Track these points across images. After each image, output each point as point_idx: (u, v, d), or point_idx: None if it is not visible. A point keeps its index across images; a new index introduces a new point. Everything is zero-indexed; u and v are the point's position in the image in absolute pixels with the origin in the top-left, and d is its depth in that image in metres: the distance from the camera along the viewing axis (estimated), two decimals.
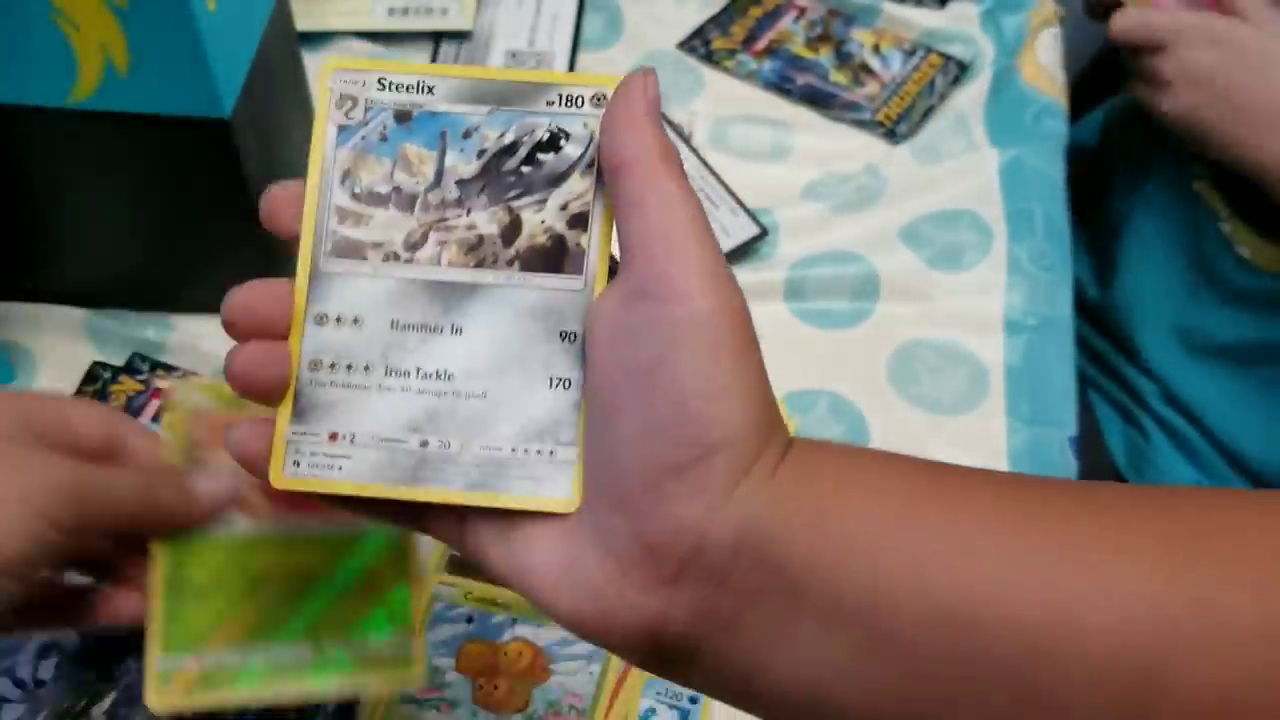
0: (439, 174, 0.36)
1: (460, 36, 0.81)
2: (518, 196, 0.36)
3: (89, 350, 0.62)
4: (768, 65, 0.81)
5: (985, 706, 0.29)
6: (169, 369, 0.61)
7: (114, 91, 0.52)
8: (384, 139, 0.36)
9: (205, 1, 0.50)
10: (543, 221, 0.36)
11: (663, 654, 0.32)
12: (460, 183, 0.36)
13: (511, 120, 0.36)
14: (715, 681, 0.32)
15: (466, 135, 0.36)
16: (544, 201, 0.36)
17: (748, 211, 0.71)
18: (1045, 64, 0.81)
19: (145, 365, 0.61)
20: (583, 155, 0.36)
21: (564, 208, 0.36)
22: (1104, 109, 0.93)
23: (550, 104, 0.36)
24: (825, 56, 0.81)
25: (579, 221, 0.36)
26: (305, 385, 0.35)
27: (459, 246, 0.36)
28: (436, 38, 0.81)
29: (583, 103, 0.36)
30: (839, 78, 0.80)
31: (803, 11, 0.84)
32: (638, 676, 0.51)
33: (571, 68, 0.79)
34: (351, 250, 0.36)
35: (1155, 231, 0.84)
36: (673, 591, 0.31)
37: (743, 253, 0.69)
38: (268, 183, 0.36)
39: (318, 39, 0.79)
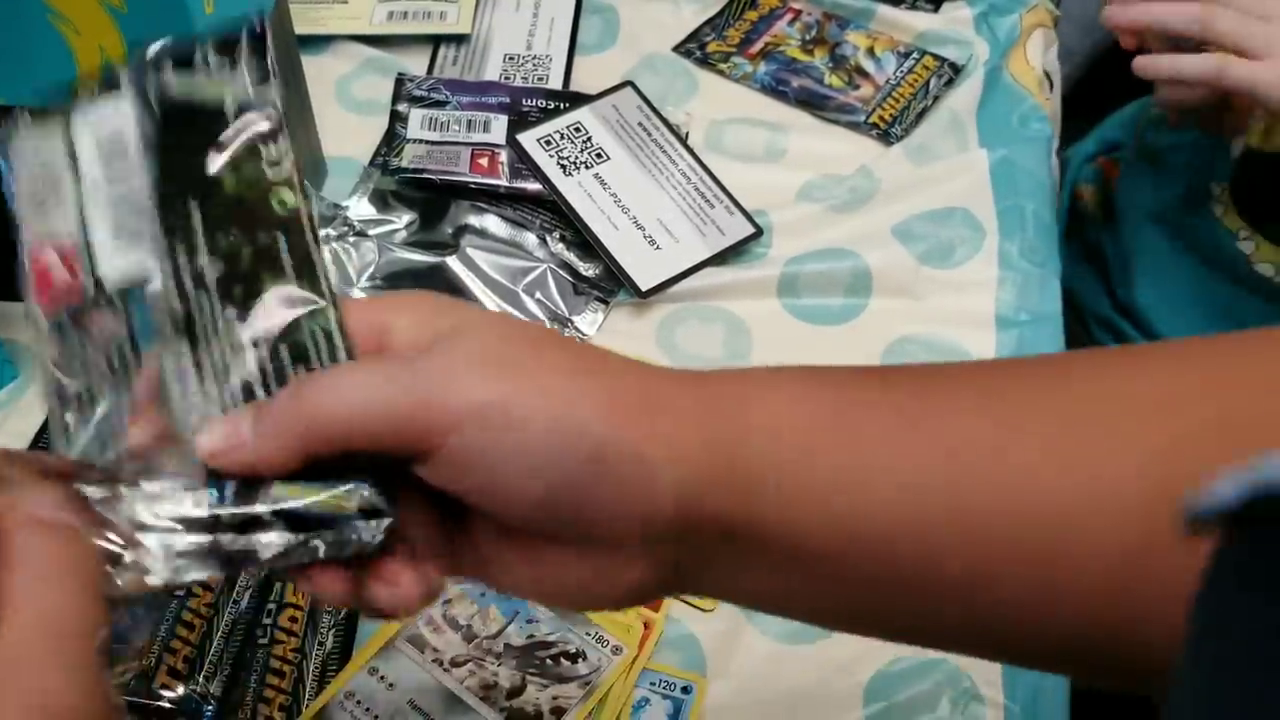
0: (500, 634, 0.52)
1: (458, 40, 0.82)
2: (534, 674, 0.51)
3: None
4: (763, 68, 0.81)
5: (925, 602, 0.33)
6: None
7: None
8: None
9: (203, 4, 0.50)
10: (539, 693, 0.50)
11: (653, 595, 0.39)
12: (508, 646, 0.52)
13: (559, 627, 0.52)
14: (701, 594, 0.40)
15: (530, 621, 0.52)
16: (546, 687, 0.51)
17: (743, 211, 0.71)
18: (1035, 66, 0.81)
19: None
20: (587, 676, 0.51)
21: (555, 698, 0.50)
22: (1137, 105, 0.91)
23: (589, 634, 0.52)
24: (820, 59, 0.82)
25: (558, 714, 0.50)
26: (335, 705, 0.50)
27: (479, 682, 0.50)
28: (435, 41, 0.82)
29: (607, 644, 0.52)
30: (834, 80, 0.81)
31: (798, 15, 0.85)
32: (634, 668, 0.52)
33: (569, 70, 0.80)
34: (419, 644, 0.51)
35: (1174, 239, 0.84)
36: (644, 562, 0.34)
37: (737, 251, 0.70)
38: None
39: (316, 42, 0.80)
